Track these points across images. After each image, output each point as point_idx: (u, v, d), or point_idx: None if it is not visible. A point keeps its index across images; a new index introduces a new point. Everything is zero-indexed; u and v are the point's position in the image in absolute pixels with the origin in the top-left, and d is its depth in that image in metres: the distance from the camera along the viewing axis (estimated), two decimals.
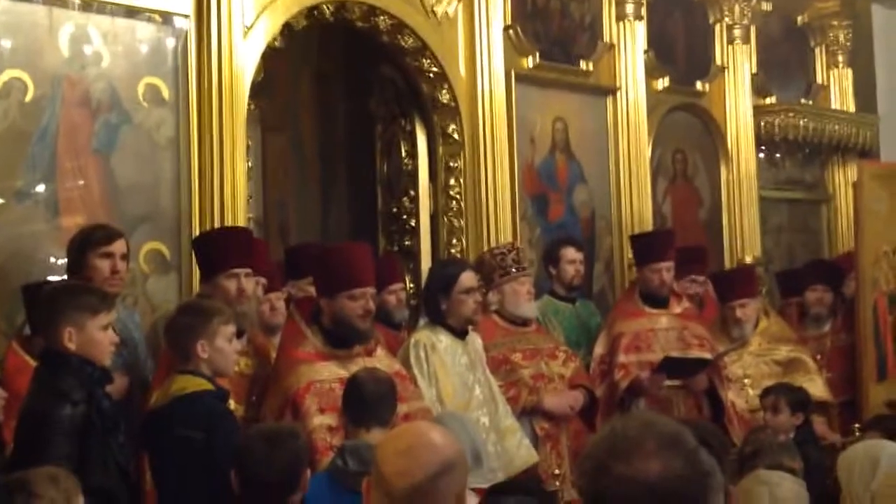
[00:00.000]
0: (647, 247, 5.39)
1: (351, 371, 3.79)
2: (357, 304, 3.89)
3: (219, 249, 4.15)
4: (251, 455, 2.81)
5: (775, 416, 4.55)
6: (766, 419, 4.58)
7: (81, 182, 4.57)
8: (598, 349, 5.22)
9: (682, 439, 1.54)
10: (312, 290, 4.42)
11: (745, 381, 5.40)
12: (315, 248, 4.79)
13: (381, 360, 4.02)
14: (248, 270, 4.11)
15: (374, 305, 4.03)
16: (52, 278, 4.20)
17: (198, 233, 4.71)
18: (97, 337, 3.07)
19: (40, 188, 4.47)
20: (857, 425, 5.15)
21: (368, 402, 3.39)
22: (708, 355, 5.07)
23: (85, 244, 3.90)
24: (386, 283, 4.92)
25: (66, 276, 4.00)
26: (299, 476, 2.83)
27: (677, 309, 5.29)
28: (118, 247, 3.92)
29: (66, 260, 4.08)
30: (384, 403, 3.42)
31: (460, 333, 4.45)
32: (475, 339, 4.55)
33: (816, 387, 5.41)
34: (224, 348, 3.43)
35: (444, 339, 4.39)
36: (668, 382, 4.98)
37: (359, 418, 3.37)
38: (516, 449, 4.39)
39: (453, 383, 4.31)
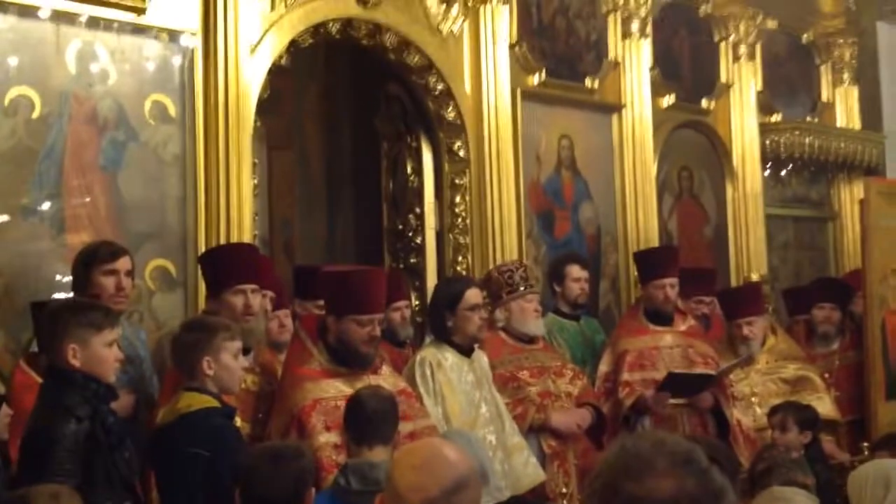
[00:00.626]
0: (650, 263, 5.37)
1: (356, 389, 3.77)
2: (364, 329, 3.89)
3: (225, 265, 4.14)
4: (255, 473, 2.79)
5: (783, 434, 4.52)
6: (774, 437, 4.55)
7: (88, 199, 4.58)
8: (603, 367, 5.19)
9: (695, 458, 1.52)
10: (318, 311, 4.42)
11: (753, 399, 5.37)
12: (327, 270, 4.75)
13: (387, 378, 4.01)
14: (255, 286, 4.10)
15: (381, 331, 4.02)
16: (57, 296, 4.20)
17: (203, 250, 4.70)
18: (102, 353, 3.06)
19: (47, 205, 4.48)
20: (865, 444, 5.11)
21: (371, 420, 3.36)
22: (712, 372, 5.04)
23: (89, 261, 3.90)
24: (391, 300, 4.91)
25: (71, 294, 3.99)
26: (303, 495, 2.81)
27: (682, 326, 5.26)
28: (122, 264, 3.92)
29: (70, 277, 4.07)
30: (386, 421, 3.39)
31: (466, 351, 4.43)
32: (481, 357, 4.53)
33: (825, 405, 5.37)
34: (229, 365, 3.42)
35: (449, 357, 4.37)
36: (672, 401, 4.95)
37: (361, 436, 3.35)
38: (523, 467, 4.36)
39: (459, 401, 4.29)
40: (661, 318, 5.23)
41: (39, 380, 3.28)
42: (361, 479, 3.16)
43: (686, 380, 4.96)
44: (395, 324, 4.97)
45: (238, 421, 3.65)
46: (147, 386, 4.01)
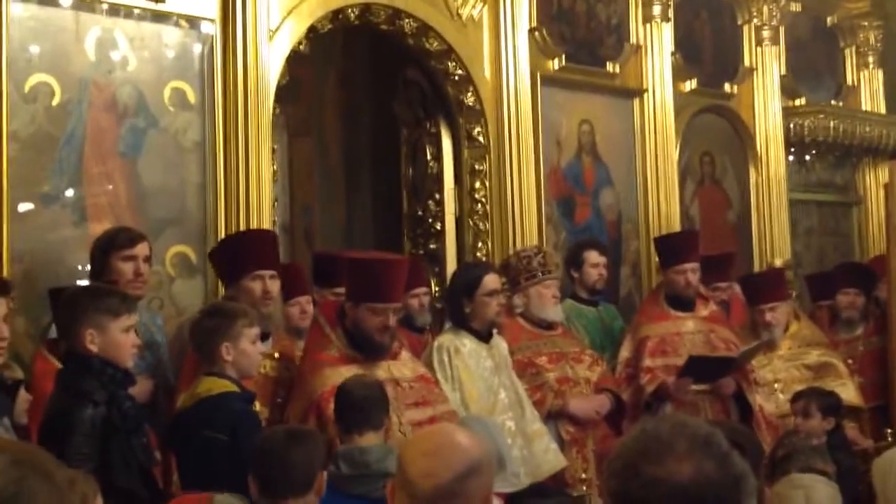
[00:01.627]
0: (671, 248, 5.33)
1: (376, 375, 3.78)
2: (378, 318, 3.88)
3: (243, 252, 4.15)
4: (269, 454, 2.80)
5: (806, 420, 4.48)
6: (797, 423, 4.51)
7: (109, 186, 4.59)
8: (624, 353, 5.16)
9: (715, 441, 1.51)
10: (335, 298, 4.42)
11: (776, 385, 5.33)
12: (351, 256, 4.74)
13: (406, 364, 4.02)
14: (273, 272, 4.10)
15: (396, 320, 4.00)
16: (79, 283, 4.22)
17: (223, 236, 4.71)
18: (119, 339, 3.08)
19: (68, 193, 4.50)
20: (889, 430, 5.06)
21: (358, 407, 3.38)
22: (733, 354, 5.00)
23: (108, 248, 3.91)
24: (409, 286, 4.90)
25: (90, 280, 4.01)
26: (314, 477, 2.81)
27: (704, 312, 5.22)
28: (141, 249, 3.94)
29: (90, 264, 4.09)
30: (374, 407, 3.41)
31: (484, 337, 4.42)
32: (500, 343, 4.52)
33: (848, 392, 5.32)
34: (248, 350, 3.44)
35: (467, 343, 4.37)
36: (694, 387, 4.91)
37: (350, 424, 3.37)
38: (543, 454, 4.36)
39: (478, 387, 4.28)
40: (683, 303, 5.19)
41: (59, 366, 3.30)
42: (352, 463, 3.20)
43: (707, 363, 4.92)
44: (413, 310, 4.97)
45: (257, 405, 3.66)
46: (165, 372, 4.03)
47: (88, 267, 4.29)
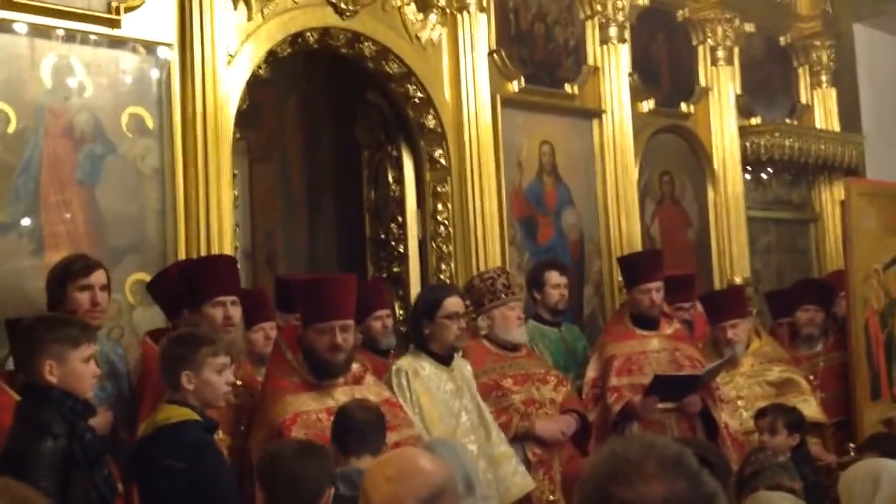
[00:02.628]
0: (635, 268, 5.35)
1: (338, 400, 3.75)
2: (325, 338, 3.82)
3: (202, 278, 4.10)
4: (280, 469, 2.76)
5: (773, 437, 4.51)
6: (763, 440, 4.53)
7: (67, 214, 4.53)
8: (590, 372, 5.17)
9: (685, 461, 1.50)
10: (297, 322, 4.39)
11: (739, 402, 5.36)
12: (296, 279, 4.74)
13: (370, 388, 3.98)
14: (234, 298, 4.07)
15: (350, 338, 3.91)
16: (35, 313, 4.13)
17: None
18: (79, 369, 3.03)
19: (24, 221, 4.43)
20: (852, 445, 5.11)
21: (358, 432, 3.35)
22: (698, 372, 5.03)
23: (63, 277, 3.85)
24: (371, 308, 4.88)
25: (49, 310, 3.94)
26: (322, 493, 2.78)
27: (668, 330, 5.25)
28: (97, 278, 3.88)
29: (46, 294, 4.02)
30: (374, 432, 3.38)
31: (444, 360, 4.40)
32: (463, 366, 4.49)
33: (810, 408, 5.37)
34: (211, 380, 3.38)
35: (426, 366, 4.34)
36: (661, 405, 4.93)
37: (349, 448, 3.33)
38: (512, 476, 4.33)
39: (438, 410, 4.25)
40: (647, 322, 5.21)
41: (17, 398, 3.23)
42: (350, 485, 3.14)
43: (673, 382, 4.95)
44: (376, 332, 4.94)
45: (219, 434, 3.61)
46: (126, 402, 3.96)
47: (45, 296, 4.23)
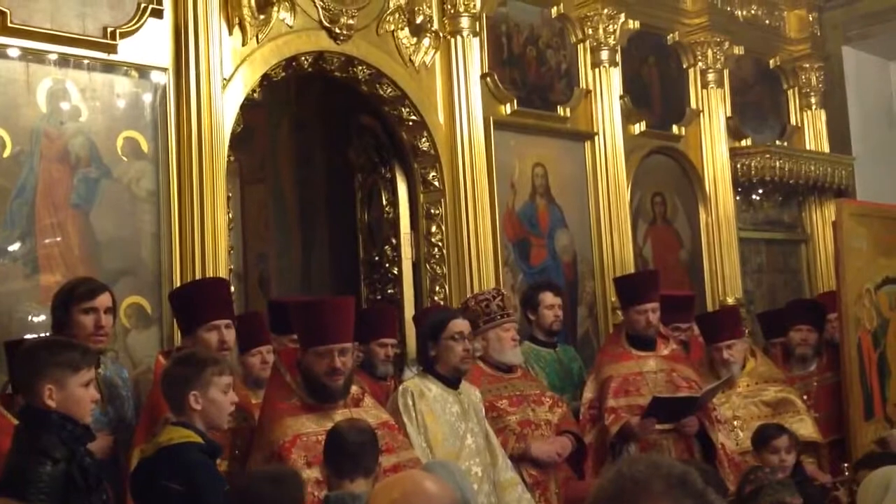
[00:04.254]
0: (631, 288, 5.35)
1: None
2: (324, 361, 3.79)
3: (196, 302, 4.10)
4: (254, 496, 2.75)
5: (789, 454, 4.54)
6: (783, 460, 4.54)
7: (59, 238, 4.53)
8: (587, 393, 5.16)
9: (691, 479, 1.52)
10: (293, 345, 4.38)
11: (735, 422, 5.36)
12: (294, 302, 4.73)
13: (369, 411, 3.96)
14: (228, 321, 4.06)
15: (348, 362, 3.88)
16: (31, 337, 4.13)
17: (179, 286, 4.66)
18: (78, 394, 3.01)
19: (19, 245, 4.43)
20: (846, 465, 5.11)
21: (351, 453, 3.32)
22: (696, 394, 5.02)
23: (68, 300, 3.84)
24: (378, 334, 4.89)
25: (49, 333, 3.93)
26: None
27: (665, 351, 5.24)
28: (102, 301, 3.87)
29: (45, 317, 4.02)
30: (367, 453, 3.35)
31: (451, 382, 4.39)
32: (471, 391, 4.48)
33: (806, 427, 5.38)
34: (217, 399, 3.38)
35: (433, 388, 4.33)
36: (658, 426, 4.93)
37: (342, 470, 3.30)
38: (517, 503, 4.32)
39: (443, 431, 4.24)
40: (644, 342, 5.21)
41: (15, 422, 3.22)
42: None
43: (670, 403, 4.94)
44: (377, 358, 4.94)
45: None
46: (127, 426, 3.94)
47: (40, 320, 4.22)
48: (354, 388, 3.99)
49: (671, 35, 7.55)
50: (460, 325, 4.40)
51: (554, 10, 6.77)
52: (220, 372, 3.40)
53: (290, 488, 2.78)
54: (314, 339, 3.83)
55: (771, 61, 8.38)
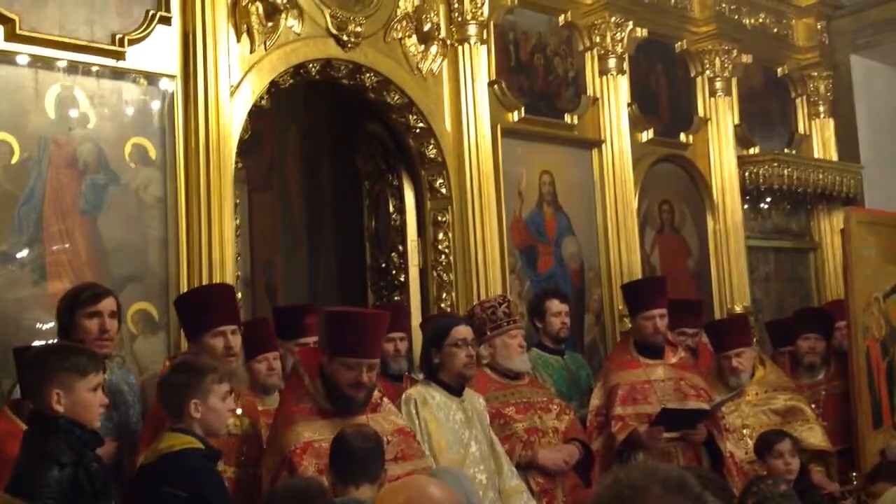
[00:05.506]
0: (638, 295, 5.34)
1: None
2: (351, 373, 3.74)
3: (202, 308, 4.10)
4: None
5: (794, 458, 4.53)
6: (788, 464, 4.53)
7: (67, 245, 4.54)
8: (595, 401, 5.15)
9: (688, 483, 1.52)
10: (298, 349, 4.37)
11: (744, 430, 5.34)
12: (329, 309, 4.64)
13: (386, 417, 3.91)
14: (234, 327, 4.06)
15: (374, 377, 3.83)
16: (39, 342, 4.15)
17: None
18: (86, 398, 3.02)
19: (27, 251, 4.44)
20: (854, 474, 5.09)
21: (357, 459, 3.30)
22: (706, 406, 5.00)
23: (73, 305, 3.85)
24: (388, 330, 4.89)
25: (56, 339, 3.94)
26: None
27: (673, 359, 5.23)
28: (106, 305, 3.87)
29: (52, 324, 4.03)
30: (372, 459, 3.34)
31: (455, 390, 4.38)
32: (475, 398, 4.47)
33: (816, 435, 5.36)
34: (217, 407, 3.39)
35: (437, 396, 4.32)
36: (666, 435, 4.91)
37: (347, 476, 3.29)
38: None
39: (446, 438, 4.22)
40: (652, 350, 5.19)
41: (24, 427, 3.23)
42: None
43: (679, 415, 4.92)
44: (388, 355, 4.92)
45: (220, 465, 3.59)
46: (132, 432, 3.94)
47: (48, 327, 4.23)
48: (374, 393, 3.94)
49: (679, 43, 7.55)
50: (463, 331, 4.39)
51: (561, 18, 6.78)
52: (219, 379, 3.41)
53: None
54: (345, 349, 3.75)
55: (779, 69, 8.37)
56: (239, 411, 4.07)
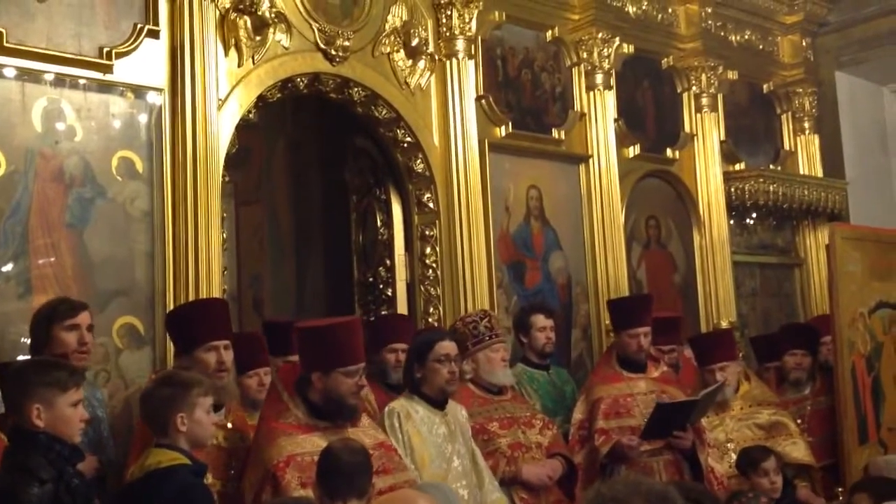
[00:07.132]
0: (624, 312, 5.36)
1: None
2: (352, 380, 3.79)
3: (195, 323, 4.09)
4: None
5: (778, 476, 4.53)
6: (773, 482, 4.53)
7: (53, 258, 4.52)
8: (577, 414, 5.16)
9: (670, 497, 1.53)
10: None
11: (729, 445, 5.35)
12: (303, 325, 4.68)
13: (367, 431, 3.92)
14: (227, 342, 4.05)
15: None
16: (24, 356, 4.12)
17: (172, 307, 4.65)
18: (67, 413, 3.01)
19: (12, 265, 4.42)
20: (840, 489, 5.09)
21: (344, 474, 3.28)
22: (696, 397, 5.00)
23: (51, 318, 3.84)
24: (389, 340, 4.88)
25: (32, 353, 3.92)
26: None
27: (655, 373, 5.25)
28: (83, 318, 3.87)
29: (30, 337, 4.00)
30: (360, 474, 3.32)
31: (438, 403, 4.38)
32: (457, 411, 4.47)
33: (799, 450, 5.37)
34: (202, 420, 3.37)
35: (419, 410, 4.32)
36: (648, 446, 4.91)
37: (335, 491, 3.26)
38: None
39: (429, 452, 4.22)
40: (635, 365, 5.22)
41: (5, 441, 3.21)
42: None
43: (673, 409, 4.91)
44: (389, 366, 4.92)
45: (209, 478, 3.58)
46: (105, 447, 3.93)
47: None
48: None
49: (665, 59, 7.60)
50: (447, 347, 4.39)
51: (549, 34, 6.81)
52: (204, 392, 3.39)
53: None
54: (344, 359, 3.79)
55: (765, 86, 8.42)
56: (230, 426, 4.06)
